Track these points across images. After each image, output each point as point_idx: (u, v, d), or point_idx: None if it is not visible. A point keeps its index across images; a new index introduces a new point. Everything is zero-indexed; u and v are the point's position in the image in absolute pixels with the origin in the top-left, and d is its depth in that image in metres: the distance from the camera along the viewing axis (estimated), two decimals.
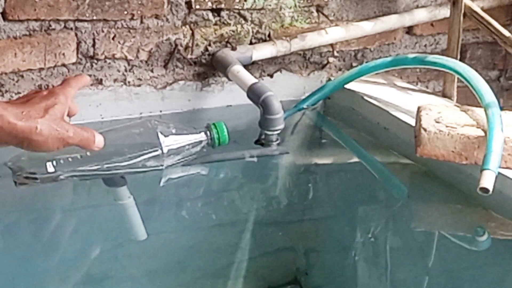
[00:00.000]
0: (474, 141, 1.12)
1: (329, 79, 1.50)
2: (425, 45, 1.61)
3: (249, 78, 1.28)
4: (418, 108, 1.22)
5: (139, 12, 1.28)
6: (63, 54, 1.24)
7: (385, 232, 1.12)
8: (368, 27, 1.47)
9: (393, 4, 1.53)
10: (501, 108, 1.18)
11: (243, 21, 1.38)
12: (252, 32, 1.40)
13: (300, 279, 1.05)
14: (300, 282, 1.05)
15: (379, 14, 1.51)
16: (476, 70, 1.27)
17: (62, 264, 0.98)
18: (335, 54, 1.49)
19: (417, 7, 1.54)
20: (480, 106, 1.19)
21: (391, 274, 1.02)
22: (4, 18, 1.19)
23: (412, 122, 1.24)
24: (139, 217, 1.06)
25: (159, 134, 1.08)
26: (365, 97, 1.39)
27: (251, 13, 1.39)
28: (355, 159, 1.34)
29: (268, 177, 1.25)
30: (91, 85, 1.29)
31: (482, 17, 1.38)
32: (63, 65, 1.25)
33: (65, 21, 1.23)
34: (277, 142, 1.24)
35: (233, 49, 1.36)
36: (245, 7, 1.37)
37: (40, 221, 1.05)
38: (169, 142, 1.09)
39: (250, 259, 1.04)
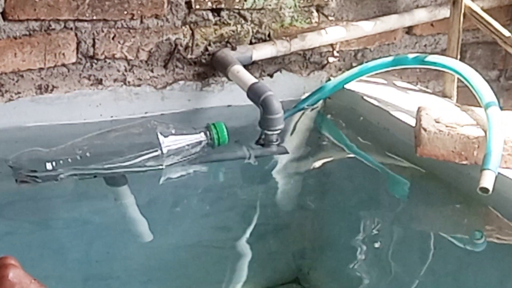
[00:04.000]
0: (474, 141, 1.12)
1: (329, 79, 1.50)
2: (425, 45, 1.61)
3: (249, 78, 1.28)
4: (418, 108, 1.22)
5: (139, 12, 1.28)
6: (63, 54, 1.24)
7: (386, 232, 1.12)
8: (368, 27, 1.47)
9: (393, 4, 1.53)
10: (501, 108, 1.18)
11: (243, 21, 1.38)
12: (252, 32, 1.40)
13: (302, 279, 1.05)
14: (300, 282, 1.05)
15: (379, 14, 1.51)
16: (476, 70, 1.27)
17: (62, 263, 0.98)
18: (335, 54, 1.49)
19: (417, 7, 1.54)
20: (480, 106, 1.19)
21: (391, 274, 1.03)
22: (4, 18, 1.19)
23: (412, 122, 1.24)
24: (140, 216, 1.06)
25: (159, 135, 1.08)
26: (365, 97, 1.39)
27: (251, 13, 1.39)
28: (355, 159, 1.34)
29: (268, 177, 1.25)
30: (91, 85, 1.29)
31: (482, 17, 1.38)
32: (63, 65, 1.25)
33: (65, 21, 1.23)
34: (277, 142, 1.24)
35: (233, 49, 1.36)
36: (245, 7, 1.37)
37: (40, 219, 1.06)
38: (169, 142, 1.09)
39: (252, 258, 1.04)
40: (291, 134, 1.36)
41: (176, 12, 1.32)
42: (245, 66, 1.33)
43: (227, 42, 1.37)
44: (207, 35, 1.35)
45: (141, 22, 1.29)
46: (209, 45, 1.36)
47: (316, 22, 1.46)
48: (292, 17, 1.43)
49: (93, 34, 1.26)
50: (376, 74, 1.41)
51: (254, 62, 1.40)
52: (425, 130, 1.14)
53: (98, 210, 1.10)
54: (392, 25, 1.50)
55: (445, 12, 1.51)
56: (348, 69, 1.46)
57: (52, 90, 1.26)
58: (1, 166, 1.05)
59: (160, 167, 1.09)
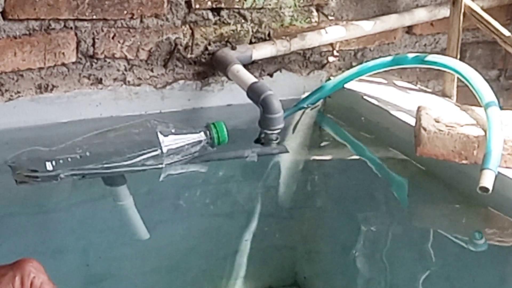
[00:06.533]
0: (473, 140, 1.12)
1: (329, 79, 1.50)
2: (425, 45, 1.61)
3: (249, 78, 1.28)
4: (418, 107, 1.22)
5: (139, 11, 1.28)
6: (63, 53, 1.24)
7: (385, 232, 1.12)
8: (368, 27, 1.47)
9: (393, 4, 1.53)
10: (501, 108, 1.18)
11: (243, 21, 1.38)
12: (252, 31, 1.40)
13: (300, 281, 1.05)
14: (299, 284, 1.05)
15: (379, 13, 1.51)
16: (476, 70, 1.27)
17: (62, 263, 0.98)
18: (335, 53, 1.49)
19: (417, 6, 1.54)
20: (480, 106, 1.19)
21: (390, 276, 1.02)
22: (4, 18, 1.19)
23: (412, 121, 1.24)
24: (138, 216, 1.06)
25: (159, 134, 1.08)
26: (365, 97, 1.39)
27: (251, 13, 1.39)
28: (355, 159, 1.34)
29: (268, 176, 1.25)
30: (91, 84, 1.29)
31: (482, 17, 1.38)
32: (63, 64, 1.25)
33: (65, 20, 1.23)
34: (277, 141, 1.24)
35: (233, 48, 1.36)
36: (245, 6, 1.37)
37: (40, 220, 1.05)
38: (169, 141, 1.09)
39: (250, 260, 1.04)
40: (291, 133, 1.36)
41: (176, 11, 1.32)
42: (245, 66, 1.33)
43: (227, 41, 1.37)
44: (207, 34, 1.35)
45: (141, 21, 1.29)
46: (209, 44, 1.36)
47: (316, 21, 1.46)
48: (292, 17, 1.43)
49: (93, 33, 1.26)
50: (376, 73, 1.41)
51: (254, 62, 1.40)
52: (425, 129, 1.14)
53: (96, 210, 1.10)
54: (392, 24, 1.50)
55: (445, 11, 1.51)
56: (348, 69, 1.46)
57: (52, 89, 1.26)
58: (0, 166, 1.05)
59: (160, 166, 1.09)
